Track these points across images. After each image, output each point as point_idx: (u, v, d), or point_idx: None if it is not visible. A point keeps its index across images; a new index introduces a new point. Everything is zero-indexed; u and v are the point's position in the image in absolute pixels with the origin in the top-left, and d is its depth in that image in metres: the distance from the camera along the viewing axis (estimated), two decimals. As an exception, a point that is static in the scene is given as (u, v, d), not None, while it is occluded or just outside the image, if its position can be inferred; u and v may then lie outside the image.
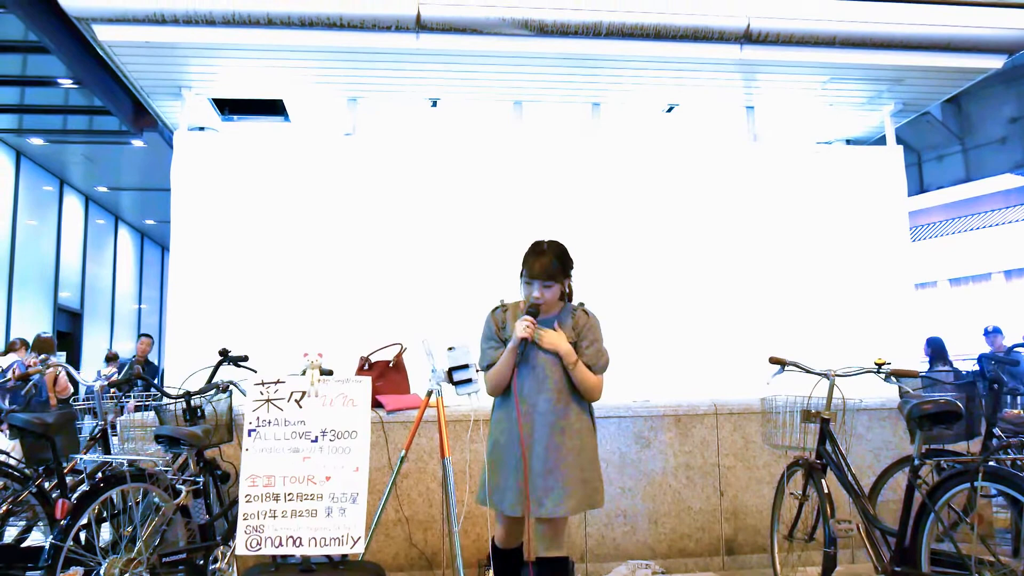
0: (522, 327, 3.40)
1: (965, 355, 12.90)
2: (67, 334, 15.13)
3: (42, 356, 5.65)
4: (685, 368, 5.82)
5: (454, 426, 4.85)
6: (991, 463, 3.28)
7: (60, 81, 9.81)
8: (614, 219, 6.12)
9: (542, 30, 5.38)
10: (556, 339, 3.49)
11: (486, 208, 6.01)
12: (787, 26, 5.57)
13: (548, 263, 3.49)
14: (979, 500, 3.53)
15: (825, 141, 7.50)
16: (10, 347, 9.31)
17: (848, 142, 7.49)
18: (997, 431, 4.87)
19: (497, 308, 3.74)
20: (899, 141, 6.68)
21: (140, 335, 9.59)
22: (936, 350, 10.53)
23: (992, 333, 10.09)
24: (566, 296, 3.68)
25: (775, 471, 5.18)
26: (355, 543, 3.69)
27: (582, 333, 3.57)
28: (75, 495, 3.67)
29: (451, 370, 3.92)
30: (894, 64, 5.83)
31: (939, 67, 5.90)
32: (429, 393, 4.01)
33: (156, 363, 8.72)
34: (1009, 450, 5.07)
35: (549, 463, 3.42)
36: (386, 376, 5.18)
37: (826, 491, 3.91)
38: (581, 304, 3.71)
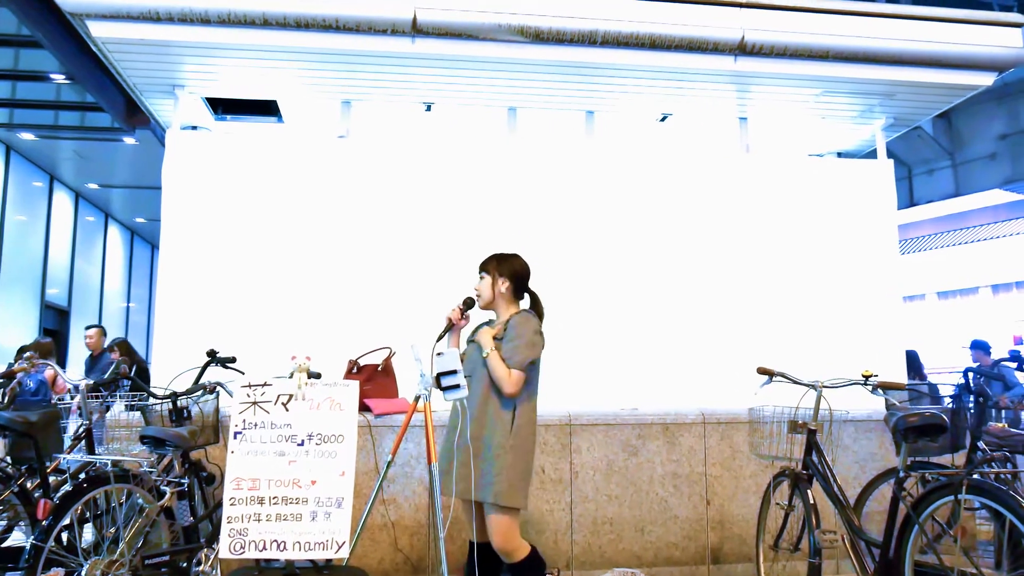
0: (448, 310, 3.97)
1: (950, 368, 12.96)
2: (54, 332, 15.03)
3: (28, 354, 5.60)
4: (674, 377, 5.83)
5: (441, 431, 4.84)
6: (975, 476, 3.30)
7: (52, 76, 9.76)
8: (606, 227, 6.13)
9: (538, 37, 5.39)
10: (482, 334, 3.91)
11: (478, 214, 6.01)
12: (781, 39, 5.60)
13: (486, 258, 4.02)
14: (963, 513, 3.55)
15: (817, 153, 7.53)
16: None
17: (840, 155, 7.53)
18: (981, 444, 4.90)
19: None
20: (890, 155, 6.71)
21: (88, 326, 9.44)
22: (910, 363, 10.55)
23: (977, 348, 10.08)
24: (516, 301, 4.03)
25: (761, 481, 5.20)
26: (340, 548, 3.69)
27: (509, 331, 3.84)
28: (58, 495, 3.65)
29: (439, 375, 3.91)
30: (886, 79, 5.86)
31: (930, 83, 5.94)
32: (417, 398, 4.01)
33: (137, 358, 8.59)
34: (993, 463, 5.10)
35: (467, 452, 3.74)
36: (374, 380, 5.18)
37: (812, 501, 3.92)
38: (526, 310, 4.00)
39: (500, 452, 3.72)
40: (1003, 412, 6.15)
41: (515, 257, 4.02)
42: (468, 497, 3.73)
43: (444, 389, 3.92)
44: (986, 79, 5.98)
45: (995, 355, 9.66)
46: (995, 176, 16.08)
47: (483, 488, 3.68)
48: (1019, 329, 15.43)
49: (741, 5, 5.61)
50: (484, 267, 4.01)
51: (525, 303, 4.03)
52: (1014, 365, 5.64)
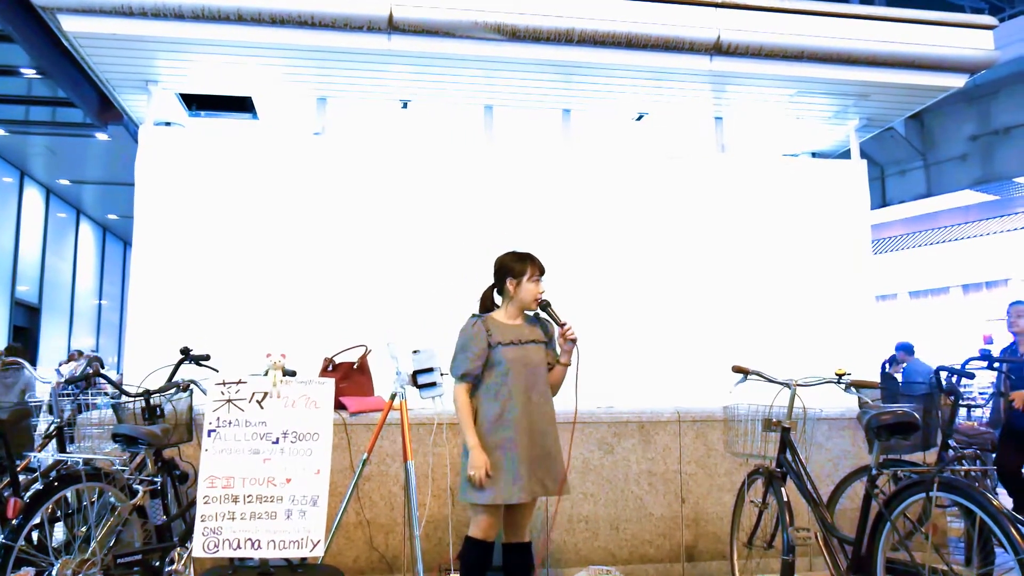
0: (573, 330, 3.85)
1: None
2: (24, 329, 14.83)
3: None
4: (649, 375, 5.86)
5: (417, 429, 4.83)
6: (946, 474, 3.34)
7: (23, 71, 9.64)
8: (582, 225, 6.14)
9: (514, 35, 5.39)
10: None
11: (454, 212, 6.00)
12: (756, 39, 5.64)
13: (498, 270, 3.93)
14: (934, 510, 3.60)
15: (791, 153, 7.60)
16: (71, 357, 9.23)
17: (814, 155, 7.59)
18: (952, 443, 4.96)
19: (477, 317, 3.87)
20: (863, 155, 6.78)
21: None
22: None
23: (902, 349, 10.57)
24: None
25: (736, 479, 5.23)
26: (315, 546, 3.67)
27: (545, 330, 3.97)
28: (28, 494, 3.61)
29: (415, 373, 3.91)
30: (860, 80, 5.92)
31: (903, 84, 6.00)
32: (393, 396, 4.00)
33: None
34: (963, 461, 5.17)
35: (548, 448, 3.77)
36: (350, 378, 5.15)
37: (785, 499, 3.95)
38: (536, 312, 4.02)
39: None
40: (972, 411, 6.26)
41: (500, 257, 3.99)
42: (548, 494, 3.79)
43: (420, 387, 3.92)
44: (958, 80, 6.06)
45: (964, 354, 9.90)
46: (966, 177, 16.32)
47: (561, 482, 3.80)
48: (989, 328, 15.65)
49: (717, 5, 5.65)
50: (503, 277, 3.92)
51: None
52: (983, 364, 5.72)
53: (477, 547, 3.73)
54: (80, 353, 8.68)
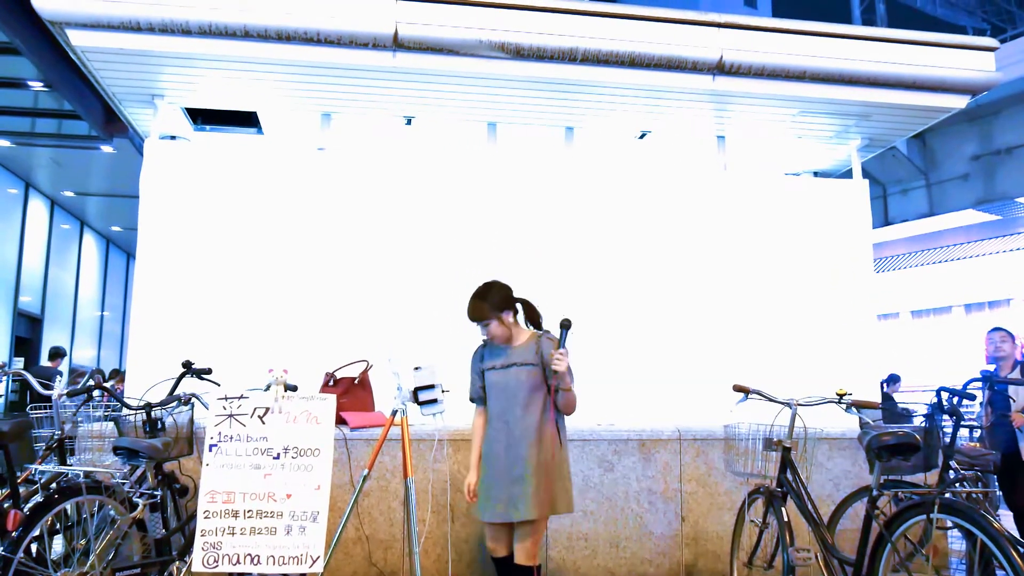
0: (561, 362, 3.72)
1: (923, 387, 13.10)
2: (26, 339, 14.83)
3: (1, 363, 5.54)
4: (650, 393, 5.85)
5: (418, 445, 4.84)
6: (947, 495, 3.34)
7: (30, 83, 9.67)
8: (584, 243, 6.16)
9: (518, 53, 5.43)
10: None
11: (457, 228, 6.02)
12: (759, 59, 5.67)
13: (471, 308, 3.92)
14: (935, 532, 3.59)
15: (793, 173, 7.61)
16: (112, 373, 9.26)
17: (816, 174, 7.61)
18: (953, 464, 4.95)
19: (483, 344, 4.09)
20: (865, 174, 6.80)
21: None
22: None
23: (889, 380, 10.80)
24: (526, 323, 4.09)
25: (736, 498, 5.22)
26: (314, 562, 3.66)
27: (543, 354, 3.91)
28: (28, 506, 3.61)
29: (417, 390, 3.92)
30: (862, 100, 5.95)
31: (905, 104, 6.03)
32: (394, 412, 4.00)
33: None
34: (964, 483, 5.16)
35: (515, 474, 3.79)
36: (351, 393, 5.16)
37: (786, 519, 3.95)
38: (540, 332, 4.03)
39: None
40: (974, 432, 6.22)
41: (492, 287, 3.97)
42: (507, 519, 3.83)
43: (421, 404, 3.93)
44: (960, 101, 6.08)
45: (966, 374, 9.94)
46: (968, 196, 16.34)
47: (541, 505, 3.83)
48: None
49: (720, 25, 5.68)
50: (479, 317, 3.91)
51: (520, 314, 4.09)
52: (982, 385, 5.71)
53: (492, 561, 4.01)
54: (82, 373, 8.70)
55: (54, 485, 4.12)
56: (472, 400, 4.09)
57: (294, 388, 3.98)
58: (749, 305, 6.26)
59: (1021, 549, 2.98)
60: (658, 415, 5.67)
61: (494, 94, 5.89)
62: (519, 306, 4.03)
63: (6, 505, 4.31)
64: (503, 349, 3.94)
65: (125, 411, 4.44)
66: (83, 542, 3.70)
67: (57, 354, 11.32)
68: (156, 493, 4.07)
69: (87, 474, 3.75)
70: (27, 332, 14.97)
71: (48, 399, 4.90)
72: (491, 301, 3.89)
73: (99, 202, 16.24)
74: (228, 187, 5.86)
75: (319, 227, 5.87)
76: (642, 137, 6.71)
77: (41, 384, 5.06)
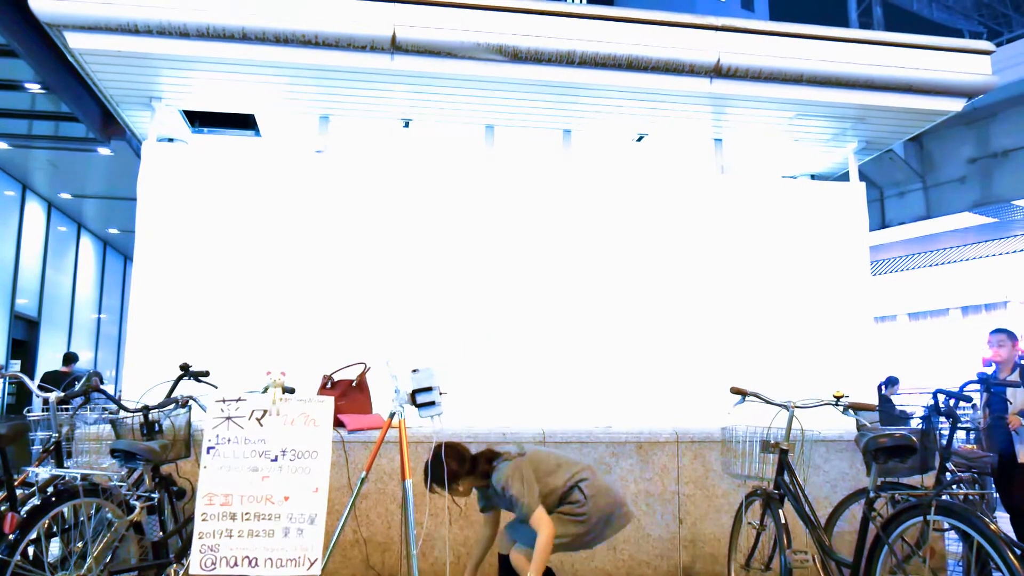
0: None
1: (920, 389, 13.14)
2: (23, 342, 14.81)
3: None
4: (648, 395, 5.86)
5: (415, 448, 4.83)
6: (944, 497, 3.35)
7: (27, 85, 9.66)
8: (582, 245, 6.16)
9: (516, 56, 5.43)
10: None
11: (455, 230, 6.02)
12: (756, 62, 5.68)
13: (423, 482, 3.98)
14: (932, 534, 3.59)
15: (790, 175, 7.63)
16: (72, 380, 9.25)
17: (813, 177, 7.63)
18: (950, 466, 4.96)
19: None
20: (862, 177, 6.81)
21: None
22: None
23: (887, 383, 10.81)
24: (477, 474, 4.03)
25: (734, 500, 5.22)
26: (312, 565, 3.66)
27: (504, 497, 3.92)
28: (25, 509, 3.59)
29: (414, 392, 3.91)
30: (858, 103, 5.96)
31: (902, 107, 6.04)
32: (392, 414, 4.00)
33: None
34: (961, 484, 5.16)
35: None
36: (349, 395, 5.15)
37: (783, 521, 3.95)
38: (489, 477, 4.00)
39: None
40: (972, 434, 6.23)
41: (441, 467, 3.91)
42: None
43: (419, 406, 3.92)
44: (956, 104, 6.10)
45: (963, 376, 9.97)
46: (965, 199, 16.38)
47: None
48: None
49: (717, 28, 5.69)
50: (454, 487, 3.97)
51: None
52: (980, 387, 5.71)
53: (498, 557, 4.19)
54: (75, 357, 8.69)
55: (51, 488, 4.11)
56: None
57: (292, 390, 3.98)
58: (746, 307, 6.27)
59: (1017, 551, 2.98)
60: (656, 417, 5.67)
61: (492, 97, 5.90)
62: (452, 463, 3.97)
63: (3, 508, 4.30)
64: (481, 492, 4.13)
65: (122, 413, 4.44)
66: (80, 545, 3.69)
67: (71, 359, 11.36)
68: (153, 496, 4.06)
69: (84, 477, 3.75)
70: (24, 335, 14.94)
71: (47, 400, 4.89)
72: (448, 480, 3.92)
73: (96, 204, 16.21)
74: (226, 190, 5.85)
75: (317, 229, 5.87)
76: (639, 140, 6.72)
77: (42, 388, 5.04)
